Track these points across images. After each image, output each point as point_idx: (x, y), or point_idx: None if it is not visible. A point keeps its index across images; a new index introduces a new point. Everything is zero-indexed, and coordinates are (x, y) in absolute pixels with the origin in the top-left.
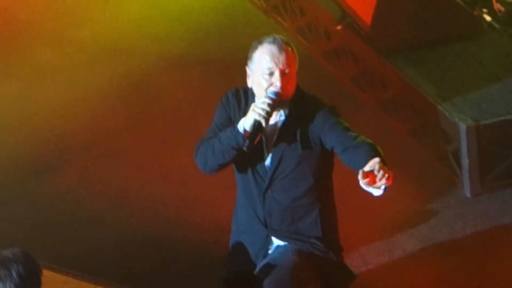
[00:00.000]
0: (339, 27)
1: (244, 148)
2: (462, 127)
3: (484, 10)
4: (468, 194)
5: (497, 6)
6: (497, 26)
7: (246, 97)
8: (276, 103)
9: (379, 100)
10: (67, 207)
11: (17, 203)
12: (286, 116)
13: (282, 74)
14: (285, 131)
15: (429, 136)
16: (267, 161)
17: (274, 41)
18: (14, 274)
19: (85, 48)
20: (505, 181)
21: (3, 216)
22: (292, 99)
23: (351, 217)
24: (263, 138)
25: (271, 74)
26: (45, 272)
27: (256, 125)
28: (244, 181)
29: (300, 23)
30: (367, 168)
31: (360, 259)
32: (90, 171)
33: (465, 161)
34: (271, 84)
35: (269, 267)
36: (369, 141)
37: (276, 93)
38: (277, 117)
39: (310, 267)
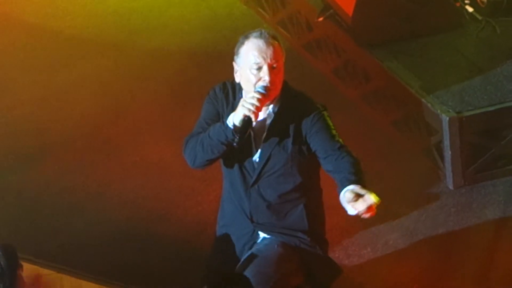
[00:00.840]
0: (320, 19)
1: (234, 144)
2: (445, 118)
3: (466, 1)
4: (450, 186)
5: None
6: (479, 17)
7: (234, 91)
8: (265, 97)
9: (361, 92)
10: (48, 200)
11: None
12: (275, 113)
13: (270, 68)
14: (274, 128)
15: (412, 128)
16: (255, 157)
17: (261, 36)
18: None
19: (66, 41)
20: (487, 173)
21: None
22: (281, 94)
23: (333, 209)
24: (252, 133)
25: (259, 68)
26: (27, 265)
27: (246, 120)
28: (231, 175)
29: (282, 14)
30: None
31: (343, 252)
32: (71, 164)
33: (447, 153)
34: (259, 79)
35: (254, 258)
36: (353, 155)
37: (265, 88)
38: (266, 113)
39: (295, 260)
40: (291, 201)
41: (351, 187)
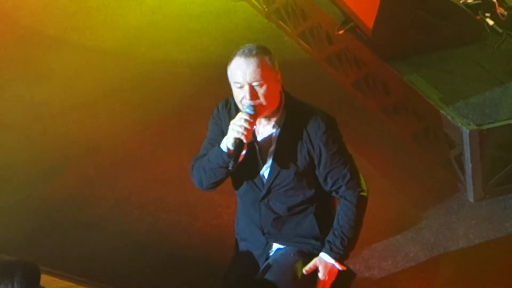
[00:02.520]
0: (341, 32)
1: (230, 168)
2: (465, 131)
3: (487, 14)
4: (471, 199)
5: (500, 10)
6: (500, 30)
7: (237, 107)
8: (254, 117)
9: (381, 104)
10: (68, 212)
11: (18, 208)
12: (282, 126)
13: (251, 87)
14: (282, 143)
15: (431, 141)
16: (263, 171)
17: (242, 53)
18: (15, 282)
19: (86, 53)
20: (508, 186)
21: (4, 220)
22: (286, 108)
23: None
24: (256, 147)
25: (242, 87)
26: (47, 277)
27: (237, 142)
28: (241, 190)
29: (302, 27)
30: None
31: (363, 264)
32: (92, 176)
33: (468, 166)
34: (244, 97)
35: (271, 268)
36: (350, 195)
37: (253, 107)
38: (270, 127)
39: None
40: (301, 212)
41: (321, 255)
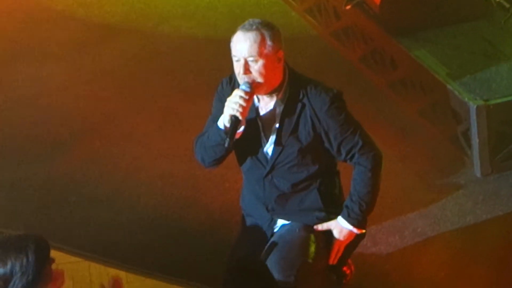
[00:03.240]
0: (348, 7)
1: (225, 144)
2: (472, 106)
3: None
4: (478, 174)
5: None
6: (507, 5)
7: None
8: (250, 95)
9: (388, 80)
10: (76, 187)
11: (26, 184)
12: (285, 102)
13: (245, 61)
14: (285, 119)
15: (439, 116)
16: (267, 148)
17: (243, 28)
18: (25, 256)
19: (94, 28)
20: None
21: (12, 196)
22: (290, 84)
23: None
24: (260, 123)
25: (238, 61)
26: (56, 253)
27: (233, 119)
28: (245, 166)
29: (309, 3)
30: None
31: (370, 239)
32: (99, 152)
33: (475, 141)
34: (240, 72)
35: (276, 244)
36: (365, 159)
37: (249, 84)
38: (273, 103)
39: (319, 241)
40: (305, 188)
41: (338, 219)
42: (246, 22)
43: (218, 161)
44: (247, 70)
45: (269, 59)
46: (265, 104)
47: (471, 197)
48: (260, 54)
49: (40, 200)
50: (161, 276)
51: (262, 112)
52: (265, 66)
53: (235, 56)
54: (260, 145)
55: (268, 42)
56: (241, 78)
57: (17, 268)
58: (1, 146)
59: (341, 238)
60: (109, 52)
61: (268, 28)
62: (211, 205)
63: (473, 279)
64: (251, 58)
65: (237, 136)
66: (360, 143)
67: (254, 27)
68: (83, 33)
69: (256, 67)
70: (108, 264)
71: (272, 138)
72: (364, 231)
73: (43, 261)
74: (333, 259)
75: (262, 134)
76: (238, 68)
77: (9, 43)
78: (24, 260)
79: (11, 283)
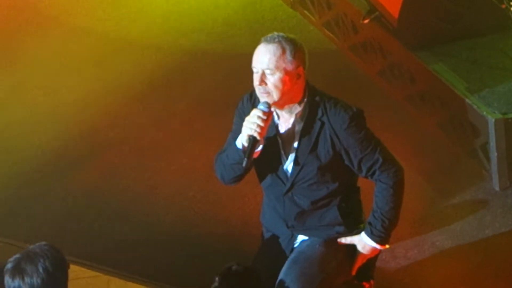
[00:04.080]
0: (366, 21)
1: (243, 164)
2: (490, 120)
3: None
4: (496, 188)
5: None
6: None
7: None
8: (269, 114)
9: (406, 94)
10: (95, 202)
11: (45, 199)
12: (304, 121)
13: (263, 73)
14: (304, 137)
15: (457, 130)
16: (286, 165)
17: (265, 39)
18: (40, 269)
19: (112, 43)
20: None
21: (30, 211)
22: (309, 101)
23: None
24: (280, 141)
25: (257, 73)
26: (74, 267)
27: (251, 139)
28: (265, 183)
29: (327, 17)
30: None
31: (389, 253)
32: (118, 167)
33: (493, 155)
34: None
35: (297, 260)
36: (385, 177)
37: (267, 104)
38: (292, 120)
39: (339, 257)
40: (325, 205)
41: (362, 235)
42: (270, 35)
43: (238, 178)
44: (262, 81)
45: (287, 73)
46: (285, 121)
47: (489, 211)
48: (278, 67)
49: (59, 215)
50: None
51: (281, 129)
52: (281, 80)
53: (254, 67)
54: (280, 163)
55: (288, 57)
56: (257, 89)
57: (37, 280)
58: (20, 161)
59: (365, 252)
60: (127, 67)
61: (290, 43)
62: (230, 219)
63: None
64: (268, 71)
65: (255, 155)
66: (381, 160)
67: (276, 40)
68: (101, 48)
69: (272, 80)
70: (127, 278)
71: (292, 156)
72: (387, 246)
73: (60, 269)
74: (355, 272)
75: (282, 151)
76: (256, 80)
77: (27, 58)
78: (42, 272)
79: None
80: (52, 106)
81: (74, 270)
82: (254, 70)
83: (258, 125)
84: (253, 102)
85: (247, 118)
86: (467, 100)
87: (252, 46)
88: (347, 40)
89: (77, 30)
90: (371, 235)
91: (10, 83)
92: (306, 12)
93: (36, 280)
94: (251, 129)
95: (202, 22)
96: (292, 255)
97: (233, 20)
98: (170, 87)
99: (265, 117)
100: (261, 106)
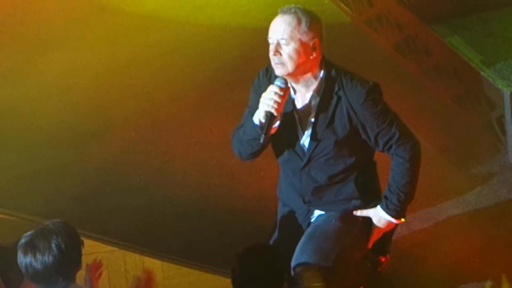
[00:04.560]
0: None
1: (261, 141)
2: (506, 93)
3: None
4: None
5: None
6: None
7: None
8: (286, 89)
9: (422, 67)
10: (111, 177)
11: (61, 173)
12: (321, 96)
13: (278, 43)
14: (321, 112)
15: (473, 103)
16: (303, 140)
17: (281, 10)
18: (53, 246)
19: (126, 19)
20: None
21: (47, 186)
22: (326, 76)
23: None
24: (296, 116)
25: (272, 43)
26: (90, 242)
27: (268, 115)
28: (282, 158)
29: None
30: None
31: (405, 226)
32: (134, 141)
33: (509, 127)
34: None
35: (313, 235)
36: (402, 151)
37: (284, 80)
38: (309, 95)
39: (355, 232)
40: (342, 180)
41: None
42: (287, 6)
43: (255, 154)
44: (277, 51)
45: (302, 44)
46: (302, 96)
47: (505, 184)
48: (292, 38)
49: (75, 190)
50: (196, 264)
51: (298, 104)
52: (296, 50)
53: (270, 37)
54: (297, 138)
55: (304, 28)
56: (272, 60)
57: (48, 257)
58: (36, 137)
59: (381, 226)
60: (143, 42)
61: (306, 15)
62: (246, 193)
63: (508, 265)
64: (283, 41)
65: (272, 131)
66: (397, 134)
67: (292, 10)
68: (116, 23)
69: (287, 50)
70: (143, 253)
71: (309, 131)
72: (403, 220)
73: (73, 247)
74: (371, 245)
75: (299, 126)
76: (271, 50)
77: (43, 33)
78: (54, 248)
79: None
80: (66, 80)
81: (90, 245)
82: (270, 41)
83: (275, 101)
84: (269, 77)
85: (264, 94)
86: (482, 73)
87: (268, 20)
88: (362, 13)
89: (93, 4)
90: (387, 209)
91: (25, 57)
92: None
93: (47, 258)
94: (268, 105)
95: None
96: (309, 230)
97: None
98: (186, 62)
99: (282, 93)
100: (277, 82)
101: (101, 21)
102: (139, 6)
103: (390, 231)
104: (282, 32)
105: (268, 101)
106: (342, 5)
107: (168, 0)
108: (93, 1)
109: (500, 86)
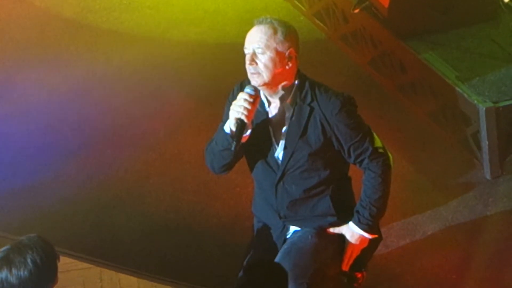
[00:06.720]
0: (356, 11)
1: (232, 148)
2: (481, 109)
3: None
4: (488, 176)
5: None
6: None
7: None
8: (255, 97)
9: (397, 83)
10: (87, 194)
11: (37, 190)
12: (294, 107)
13: (254, 52)
14: (294, 123)
15: (448, 119)
16: (277, 153)
17: (257, 21)
18: (29, 261)
19: (103, 35)
20: None
21: (23, 203)
22: (299, 88)
23: None
24: (270, 128)
25: (248, 53)
26: (67, 259)
27: (239, 123)
28: (256, 173)
29: (318, 7)
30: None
31: (381, 243)
32: (110, 157)
33: (484, 143)
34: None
35: (289, 251)
36: (374, 165)
37: (254, 88)
38: (283, 107)
39: (332, 248)
40: (317, 194)
41: (350, 224)
42: (263, 17)
43: (227, 167)
44: (252, 60)
45: (278, 54)
46: (275, 108)
47: (481, 199)
48: (268, 47)
49: (51, 206)
50: (172, 281)
51: (272, 117)
52: (272, 59)
53: (245, 48)
54: (271, 151)
55: (279, 37)
56: (248, 70)
57: (24, 272)
58: (11, 154)
59: (354, 242)
60: (118, 58)
61: (282, 25)
62: (222, 210)
63: (484, 281)
64: (259, 49)
65: (243, 140)
66: (370, 149)
67: (268, 20)
68: (92, 40)
69: (263, 59)
70: (119, 270)
71: (282, 143)
72: (376, 236)
73: (49, 261)
74: (346, 263)
75: (273, 139)
76: (247, 60)
77: (19, 50)
78: (30, 263)
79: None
80: (41, 98)
81: (66, 262)
82: (246, 51)
83: (245, 108)
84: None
85: (234, 102)
86: (457, 89)
87: (243, 36)
88: (337, 29)
89: (69, 22)
90: (359, 223)
91: None
92: (296, 2)
93: (23, 272)
94: (238, 112)
95: (192, 13)
96: (285, 246)
97: (223, 11)
98: (160, 78)
99: (251, 100)
100: (247, 89)
101: (78, 38)
102: (115, 23)
103: (370, 248)
104: (258, 41)
105: (238, 108)
106: (317, 21)
107: (144, 17)
108: (69, 19)
109: (475, 101)
